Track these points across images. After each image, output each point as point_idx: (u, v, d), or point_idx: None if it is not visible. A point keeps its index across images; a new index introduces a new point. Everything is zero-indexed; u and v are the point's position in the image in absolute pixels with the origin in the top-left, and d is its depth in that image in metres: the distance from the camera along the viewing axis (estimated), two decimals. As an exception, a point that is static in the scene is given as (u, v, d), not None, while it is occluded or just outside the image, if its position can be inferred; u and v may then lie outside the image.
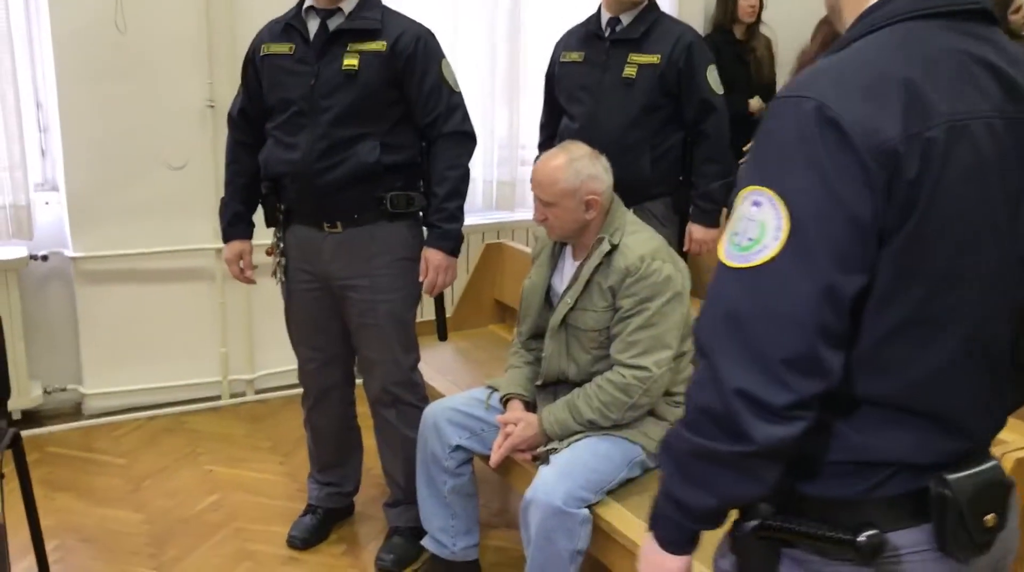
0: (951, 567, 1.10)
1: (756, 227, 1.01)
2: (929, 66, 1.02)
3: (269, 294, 3.47)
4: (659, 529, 1.19)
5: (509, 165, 4.48)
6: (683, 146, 3.16)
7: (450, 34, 4.10)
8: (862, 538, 1.06)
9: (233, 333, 3.99)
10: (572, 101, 3.24)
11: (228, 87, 3.73)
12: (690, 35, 3.12)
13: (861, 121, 0.98)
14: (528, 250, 3.60)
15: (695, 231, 3.17)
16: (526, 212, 4.58)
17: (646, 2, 3.12)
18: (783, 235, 0.99)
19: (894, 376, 1.06)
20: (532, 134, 4.56)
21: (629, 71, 3.08)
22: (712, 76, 3.09)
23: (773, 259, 1.00)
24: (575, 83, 3.22)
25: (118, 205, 3.70)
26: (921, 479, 1.08)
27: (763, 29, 4.65)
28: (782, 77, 4.63)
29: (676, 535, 1.17)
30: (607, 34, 3.15)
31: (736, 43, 4.51)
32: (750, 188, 1.04)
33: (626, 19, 3.13)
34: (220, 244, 3.74)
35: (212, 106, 3.75)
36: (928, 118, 1.00)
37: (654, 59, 3.05)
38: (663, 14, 3.19)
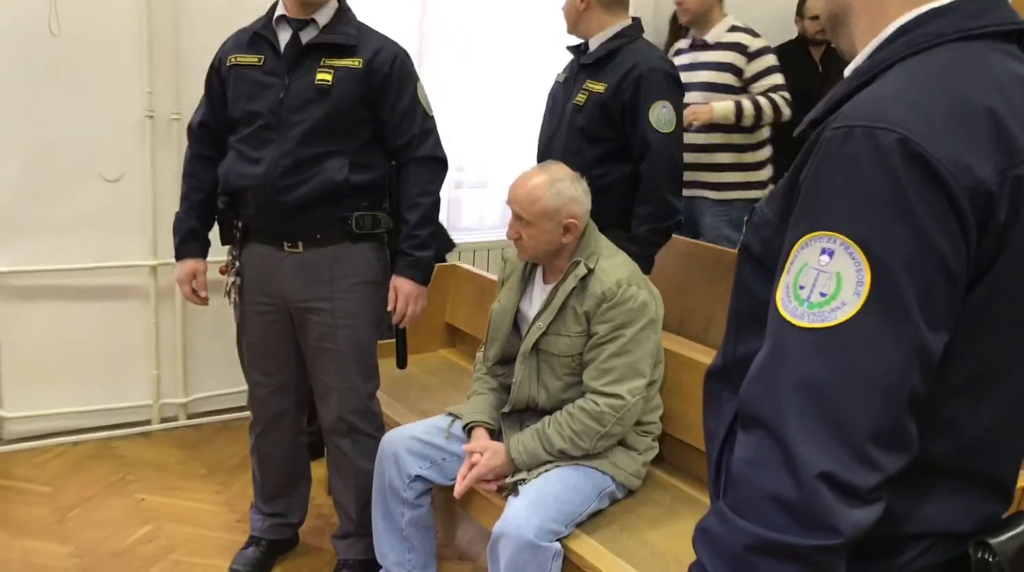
0: None
1: (830, 280, 0.89)
2: (1002, 94, 0.94)
3: (204, 314, 3.32)
4: None
5: (448, 189, 4.38)
6: (631, 182, 2.94)
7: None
8: None
9: (166, 354, 3.80)
10: (544, 121, 3.18)
11: (168, 97, 3.59)
12: (645, 67, 2.86)
13: (952, 157, 0.87)
14: (480, 272, 3.53)
15: None
16: (469, 234, 4.53)
17: (614, 30, 2.96)
18: (865, 289, 0.87)
19: (948, 438, 0.98)
20: (467, 155, 4.51)
21: (580, 97, 2.95)
22: (657, 112, 2.85)
23: (855, 317, 0.87)
24: (551, 104, 3.16)
25: (47, 217, 3.50)
26: (960, 545, 1.00)
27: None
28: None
29: None
30: (579, 59, 3.06)
31: (812, 63, 4.50)
32: (815, 234, 0.91)
33: (593, 44, 3.00)
34: (154, 261, 3.65)
35: (151, 116, 3.58)
36: (1015, 153, 0.91)
37: (600, 88, 2.91)
38: (637, 41, 2.98)
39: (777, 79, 3.71)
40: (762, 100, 3.64)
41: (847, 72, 1.08)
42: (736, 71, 3.70)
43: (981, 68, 0.97)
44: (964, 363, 0.94)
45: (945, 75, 0.95)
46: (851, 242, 0.88)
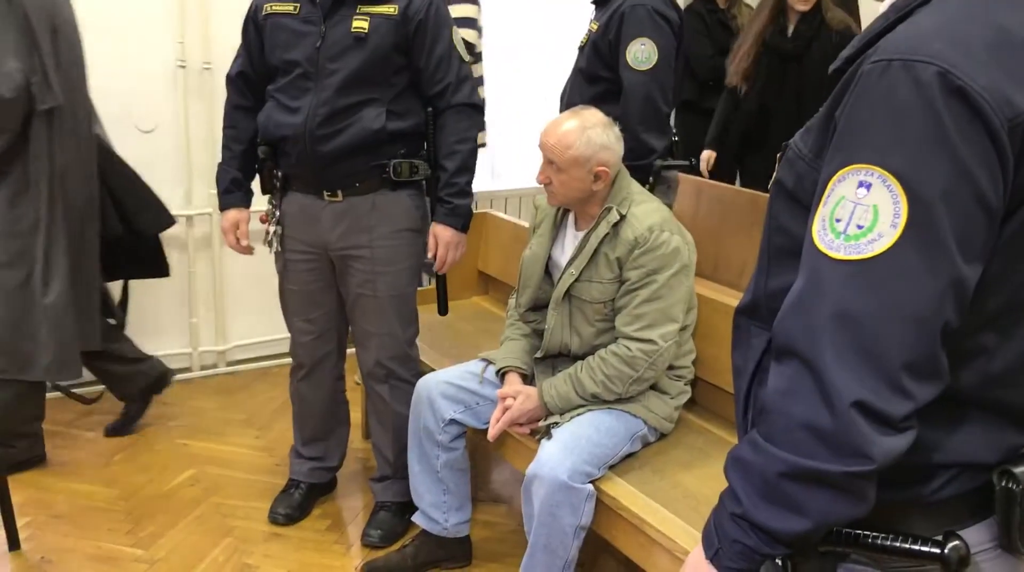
0: (1012, 565, 1.04)
1: (867, 212, 0.89)
2: None
3: (240, 263, 3.36)
4: (725, 559, 1.02)
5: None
6: None
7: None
8: (949, 550, 0.97)
9: (203, 303, 3.87)
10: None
11: (199, 46, 3.60)
12: (628, 4, 2.81)
13: (991, 89, 0.87)
14: (512, 219, 3.54)
15: None
16: (504, 182, 4.53)
17: None
18: (902, 221, 0.87)
19: (976, 368, 0.99)
20: (503, 102, 4.50)
21: (584, 38, 2.99)
22: (634, 50, 2.80)
23: (892, 249, 0.88)
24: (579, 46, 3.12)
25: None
26: (984, 475, 1.02)
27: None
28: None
29: (747, 563, 1.01)
30: None
31: (719, 11, 4.49)
32: (852, 166, 0.91)
33: None
34: (191, 210, 3.68)
35: (183, 66, 3.61)
36: None
37: (595, 27, 2.93)
38: None
39: None
40: None
41: (882, 8, 1.07)
42: None
43: (1017, 1, 0.96)
44: (995, 294, 0.95)
45: (984, 6, 0.95)
46: (888, 175, 0.89)
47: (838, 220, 0.92)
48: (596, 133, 2.33)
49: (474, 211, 3.65)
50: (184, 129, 3.64)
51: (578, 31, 3.23)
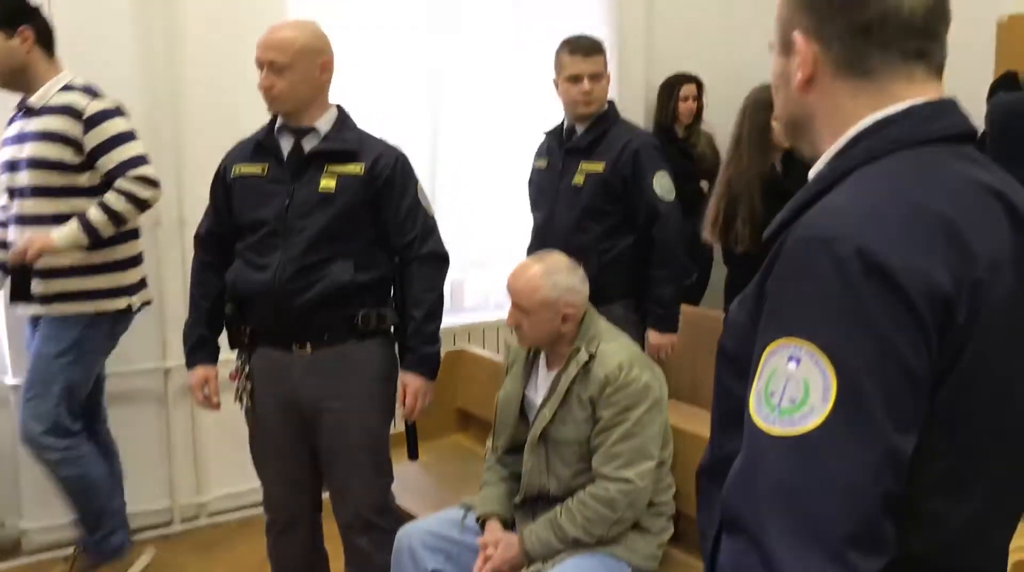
0: None
1: (798, 387, 0.91)
2: (957, 199, 0.97)
3: (218, 413, 3.34)
4: None
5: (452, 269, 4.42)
6: (637, 250, 3.17)
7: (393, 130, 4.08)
8: None
9: (181, 455, 3.82)
10: (535, 206, 3.36)
11: (173, 202, 3.66)
12: (638, 142, 3.16)
13: (908, 264, 0.90)
14: (489, 355, 3.56)
15: (651, 336, 3.18)
16: (461, 316, 4.54)
17: (599, 112, 3.19)
18: (832, 395, 0.89)
19: (931, 533, 0.98)
20: (477, 235, 4.57)
21: (578, 178, 3.17)
22: (660, 182, 3.12)
23: (824, 423, 0.89)
24: (538, 189, 3.34)
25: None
26: None
27: (703, 127, 4.80)
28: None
29: None
30: (564, 143, 3.24)
31: (679, 140, 4.64)
32: (782, 341, 0.93)
33: (580, 128, 3.24)
34: (167, 363, 3.68)
35: (158, 224, 3.66)
36: (970, 258, 0.93)
37: (599, 167, 3.14)
38: (619, 122, 3.26)
39: (130, 152, 3.06)
40: (111, 198, 3.02)
41: (810, 176, 1.12)
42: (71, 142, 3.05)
43: (936, 174, 1.00)
44: (939, 459, 0.96)
45: (900, 183, 0.98)
46: (816, 349, 0.91)
47: (772, 394, 0.93)
48: (562, 277, 2.39)
49: (452, 347, 3.70)
50: (159, 283, 3.66)
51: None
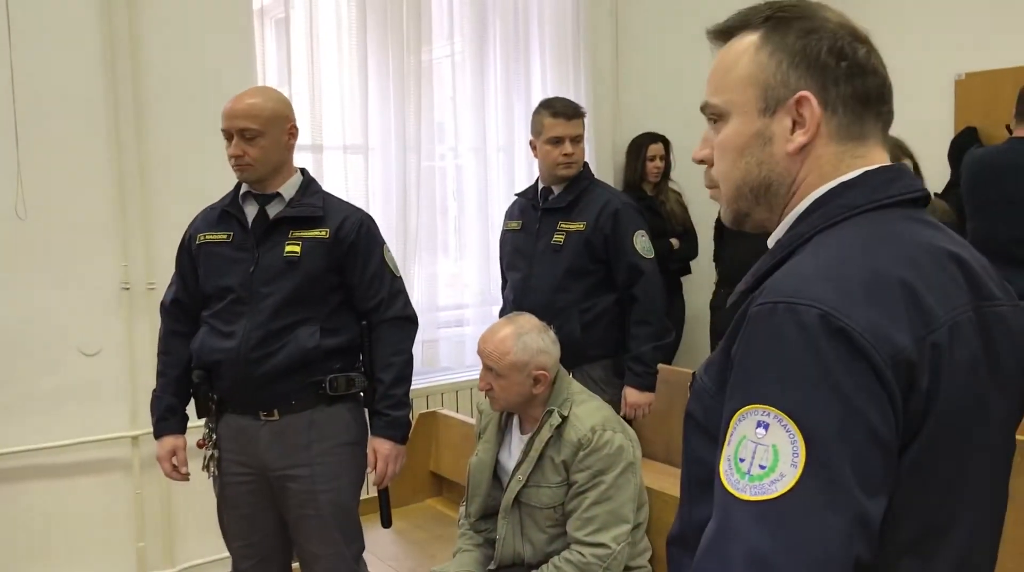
0: None
1: (767, 452, 0.91)
2: (915, 264, 0.98)
3: (189, 481, 3.29)
4: None
5: (425, 329, 4.42)
6: (618, 309, 3.19)
7: (361, 197, 4.09)
8: None
9: (151, 525, 3.74)
10: (511, 268, 3.35)
11: (143, 268, 3.64)
12: (617, 202, 3.20)
13: (871, 328, 0.91)
14: (463, 418, 3.53)
15: (629, 395, 3.15)
16: (435, 375, 4.52)
17: (574, 174, 3.22)
18: (801, 461, 0.89)
19: None
20: (450, 295, 4.58)
21: (558, 238, 3.18)
22: (640, 241, 3.16)
23: (794, 489, 0.89)
24: (513, 249, 3.34)
25: (24, 396, 3.48)
26: None
27: (671, 185, 4.85)
28: (698, 222, 4.79)
29: None
30: (540, 204, 3.26)
31: (647, 198, 4.69)
32: (750, 406, 0.93)
33: (557, 189, 3.26)
34: (135, 432, 3.62)
35: (127, 288, 3.63)
36: (930, 321, 0.95)
37: (580, 226, 3.15)
38: (595, 182, 3.30)
39: None
40: None
41: (770, 243, 1.13)
42: None
43: (893, 238, 1.01)
44: (908, 522, 0.96)
45: (860, 248, 0.99)
46: (783, 415, 0.91)
47: (742, 460, 0.93)
48: (532, 338, 2.38)
49: (425, 410, 3.68)
50: (129, 350, 3.62)
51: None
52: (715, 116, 1.13)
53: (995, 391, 1.03)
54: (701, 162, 1.18)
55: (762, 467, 0.91)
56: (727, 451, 0.95)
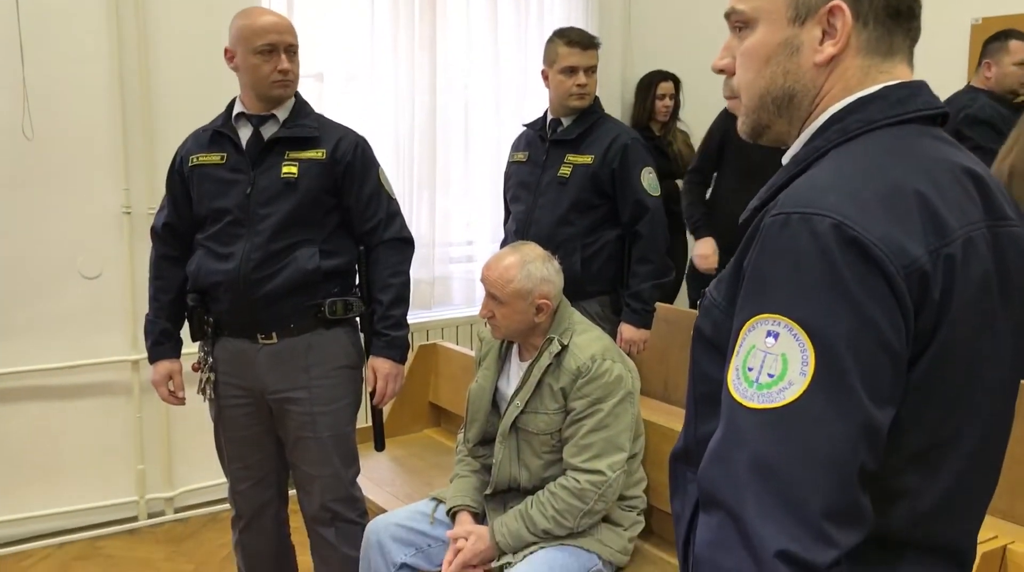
0: None
1: (776, 361, 0.91)
2: (931, 177, 0.97)
3: (188, 406, 3.31)
4: None
5: (427, 265, 4.42)
6: (619, 245, 3.15)
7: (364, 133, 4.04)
8: None
9: (150, 449, 3.77)
10: (514, 200, 3.30)
11: (144, 192, 3.62)
12: (626, 137, 3.14)
13: (885, 238, 0.90)
14: (462, 350, 3.53)
15: (625, 331, 3.13)
16: (445, 310, 4.53)
17: (586, 106, 3.15)
18: (810, 369, 0.89)
19: (905, 507, 0.99)
20: (453, 232, 4.57)
21: (564, 170, 3.12)
22: (647, 178, 3.11)
23: (802, 397, 0.89)
24: (518, 182, 3.28)
25: (27, 318, 3.50)
26: None
27: (679, 125, 4.79)
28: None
29: None
30: (549, 135, 3.21)
31: (655, 138, 4.63)
32: (760, 316, 0.93)
33: (566, 121, 3.20)
34: (136, 356, 3.63)
35: (128, 212, 3.61)
36: (945, 233, 0.94)
37: (588, 159, 3.10)
38: (605, 116, 3.23)
39: None
40: None
41: (785, 159, 1.11)
42: None
43: (910, 152, 1.00)
44: (914, 435, 0.96)
45: (876, 160, 0.98)
46: (794, 324, 0.91)
47: (750, 369, 0.93)
48: (536, 266, 2.36)
49: (425, 342, 3.68)
50: (129, 274, 3.62)
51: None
52: (740, 24, 1.10)
53: (1004, 310, 1.03)
54: (721, 71, 1.15)
55: (771, 376, 0.91)
56: (735, 361, 0.95)
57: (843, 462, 0.88)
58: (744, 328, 0.95)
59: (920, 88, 1.06)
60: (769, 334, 0.92)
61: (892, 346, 0.90)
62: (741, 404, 0.93)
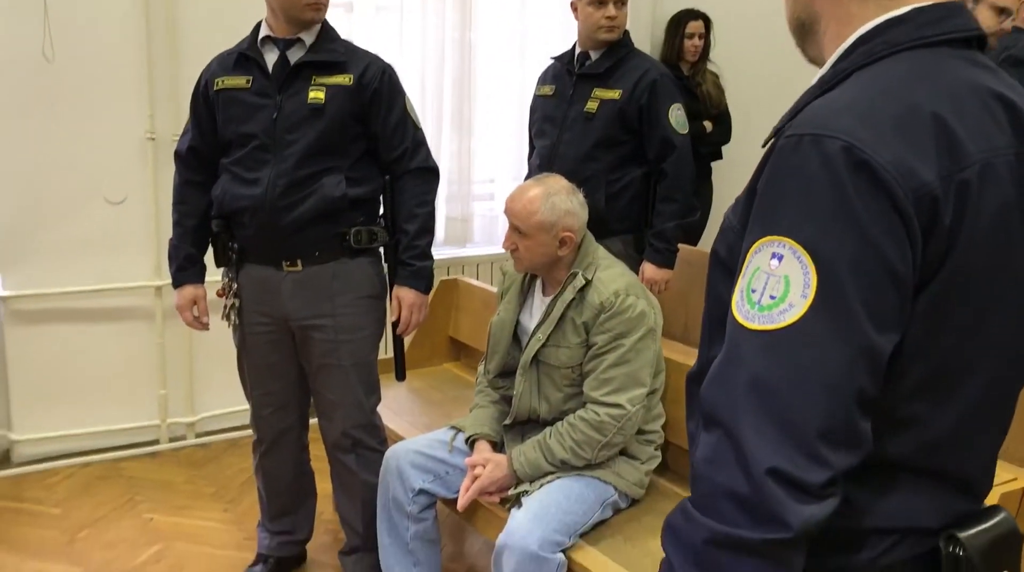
0: None
1: (779, 283, 0.91)
2: (953, 100, 0.95)
3: (210, 333, 3.35)
4: None
5: (459, 201, 4.41)
6: (645, 184, 3.12)
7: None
8: None
9: (172, 374, 3.82)
10: (539, 134, 3.26)
11: (169, 118, 3.61)
12: (655, 73, 3.08)
13: (896, 162, 0.89)
14: (483, 285, 3.54)
15: (647, 269, 3.11)
16: (476, 248, 4.54)
17: (615, 39, 3.10)
18: (811, 292, 0.89)
19: (912, 435, 0.99)
20: (484, 169, 4.55)
21: (591, 105, 3.07)
22: (675, 115, 3.07)
23: (802, 319, 0.89)
24: (543, 116, 3.25)
25: (51, 241, 3.53)
26: (930, 540, 1.01)
27: (709, 66, 4.72)
28: (734, 107, 4.67)
29: None
30: (576, 69, 3.16)
31: (684, 78, 4.56)
32: (766, 238, 0.93)
33: (595, 55, 3.15)
34: (159, 281, 3.66)
35: (152, 138, 3.61)
36: (961, 158, 0.92)
37: (615, 94, 3.05)
38: (634, 51, 3.17)
39: None
40: None
41: (814, 81, 1.09)
42: None
43: (935, 74, 0.98)
44: (921, 362, 0.96)
45: (896, 83, 0.97)
46: (798, 246, 0.90)
47: (753, 290, 0.93)
48: (560, 199, 2.35)
49: (446, 277, 3.68)
50: (154, 200, 3.63)
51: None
52: None
53: None
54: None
55: (772, 297, 0.92)
56: (740, 283, 0.96)
57: (840, 385, 0.89)
58: (751, 250, 0.95)
59: (954, 9, 1.03)
60: (774, 256, 0.92)
61: (897, 271, 0.90)
62: (743, 325, 0.94)
